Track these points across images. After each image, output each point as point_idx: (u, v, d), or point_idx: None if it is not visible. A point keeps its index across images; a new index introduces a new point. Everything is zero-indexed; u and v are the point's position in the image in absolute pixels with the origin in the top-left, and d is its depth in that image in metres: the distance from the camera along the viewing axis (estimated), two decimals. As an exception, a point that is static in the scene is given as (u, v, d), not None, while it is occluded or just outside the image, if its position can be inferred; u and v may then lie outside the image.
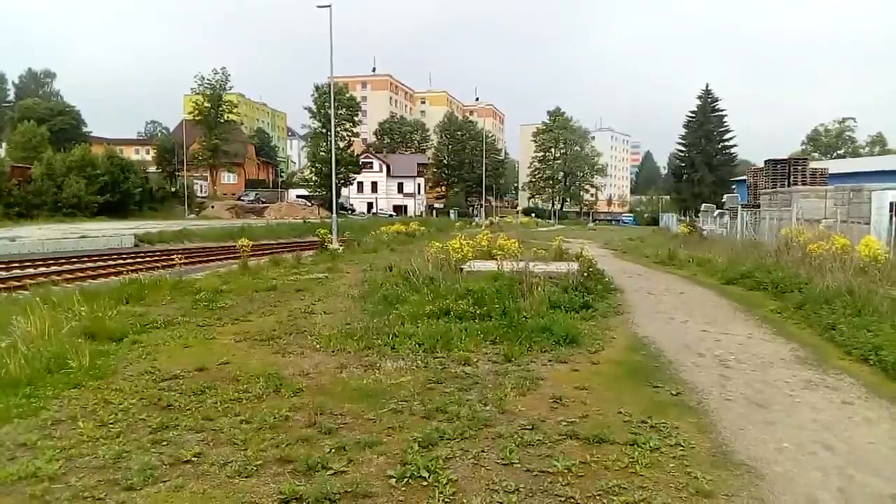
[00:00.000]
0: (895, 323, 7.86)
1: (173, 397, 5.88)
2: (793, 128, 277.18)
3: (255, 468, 4.35)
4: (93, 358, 7.02)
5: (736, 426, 5.30)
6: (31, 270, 20.83)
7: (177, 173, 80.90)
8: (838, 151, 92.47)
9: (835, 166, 39.99)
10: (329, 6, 31.07)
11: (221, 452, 4.63)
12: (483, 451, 4.67)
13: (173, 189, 76.17)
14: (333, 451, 4.64)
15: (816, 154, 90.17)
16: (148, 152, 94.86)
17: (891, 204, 15.10)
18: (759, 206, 26.04)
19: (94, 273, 20.88)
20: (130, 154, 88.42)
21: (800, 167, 26.96)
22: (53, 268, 21.68)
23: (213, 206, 77.03)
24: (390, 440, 4.88)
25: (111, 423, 5.20)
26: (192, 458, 4.50)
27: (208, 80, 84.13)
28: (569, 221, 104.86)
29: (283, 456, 4.53)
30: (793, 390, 6.35)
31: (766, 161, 29.24)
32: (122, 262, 24.39)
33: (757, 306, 11.61)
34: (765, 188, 26.82)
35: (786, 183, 25.98)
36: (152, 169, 79.26)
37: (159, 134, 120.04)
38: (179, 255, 18.53)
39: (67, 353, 6.93)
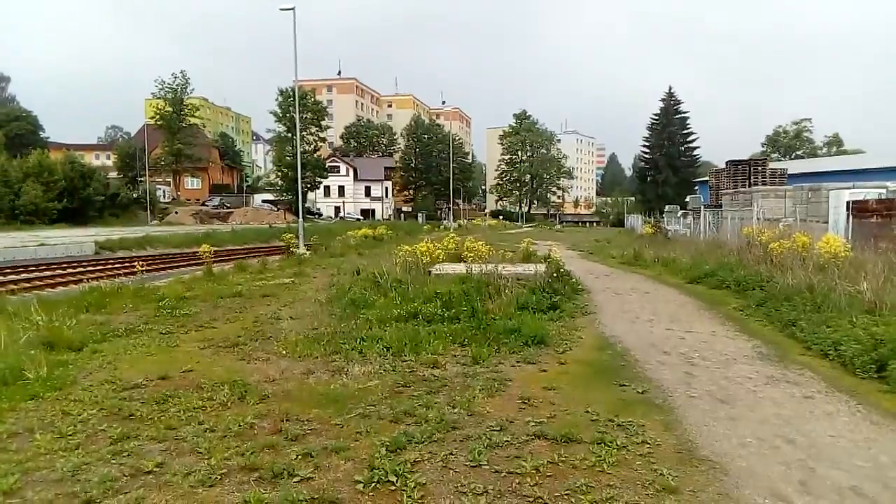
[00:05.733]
0: (853, 319, 8.03)
1: (135, 407, 5.73)
2: (754, 129, 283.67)
3: (219, 477, 4.26)
4: (51, 368, 6.82)
5: (701, 422, 5.37)
6: (-13, 279, 20.21)
7: (139, 179, 79.36)
8: (797, 152, 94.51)
9: (793, 167, 41.01)
10: (293, 9, 30.82)
11: (184, 462, 4.53)
12: (451, 454, 4.64)
13: (135, 195, 74.62)
14: (300, 457, 4.57)
15: (776, 155, 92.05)
16: (109, 157, 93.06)
17: (847, 203, 15.53)
18: (721, 207, 26.56)
19: (52, 282, 20.38)
20: (90, 160, 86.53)
21: (760, 168, 27.66)
22: (10, 276, 21.09)
23: (176, 212, 75.85)
24: (357, 445, 4.83)
25: (70, 435, 5.05)
26: (154, 469, 4.39)
27: (169, 83, 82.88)
28: (536, 223, 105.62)
29: (247, 464, 4.44)
30: (755, 386, 6.46)
31: (727, 162, 29.92)
32: (82, 269, 23.81)
33: (720, 304, 11.82)
34: (726, 189, 27.41)
35: (747, 183, 26.59)
36: (113, 174, 77.71)
37: (120, 139, 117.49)
38: (142, 262, 18.13)
39: (24, 364, 6.72)
